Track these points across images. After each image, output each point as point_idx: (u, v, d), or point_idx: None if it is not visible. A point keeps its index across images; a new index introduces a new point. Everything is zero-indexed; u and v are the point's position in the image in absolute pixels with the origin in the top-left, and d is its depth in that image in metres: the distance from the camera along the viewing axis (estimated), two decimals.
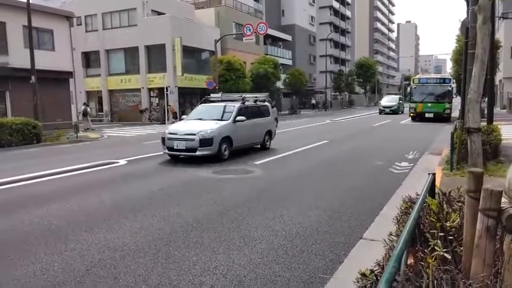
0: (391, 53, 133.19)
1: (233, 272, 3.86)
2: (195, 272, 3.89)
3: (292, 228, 5.14)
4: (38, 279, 3.82)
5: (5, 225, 5.54)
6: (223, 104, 12.45)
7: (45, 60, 20.46)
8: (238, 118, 11.55)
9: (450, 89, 25.23)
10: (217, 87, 30.74)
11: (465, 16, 13.06)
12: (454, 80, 27.41)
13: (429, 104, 25.39)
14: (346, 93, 68.71)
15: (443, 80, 25.74)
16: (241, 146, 11.93)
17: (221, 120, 11.43)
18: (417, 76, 28.24)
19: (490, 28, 4.90)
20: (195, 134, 10.53)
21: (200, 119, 11.67)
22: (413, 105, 26.19)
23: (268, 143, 13.38)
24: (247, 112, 12.17)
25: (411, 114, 26.37)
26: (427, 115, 25.29)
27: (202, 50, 35.17)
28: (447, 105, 25.19)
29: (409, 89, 27.10)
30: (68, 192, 7.51)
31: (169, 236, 4.90)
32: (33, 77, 17.48)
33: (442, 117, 24.73)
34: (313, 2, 64.97)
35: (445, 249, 2.53)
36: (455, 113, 24.57)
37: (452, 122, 19.65)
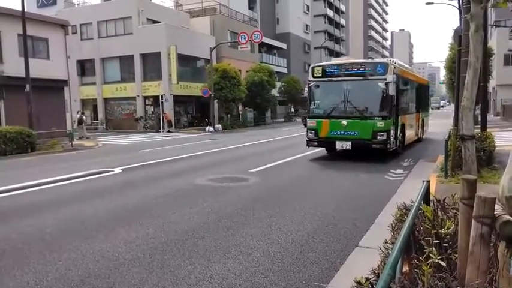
0: None
1: (229, 281, 3.84)
2: (190, 281, 3.86)
3: (288, 236, 5.12)
4: None
5: None
6: None
7: (40, 69, 20.41)
8: None
9: (385, 87, 11.17)
10: (212, 95, 30.83)
11: (458, 24, 13.26)
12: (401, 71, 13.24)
13: (344, 122, 11.81)
14: None
15: (373, 69, 11.64)
16: None
17: None
18: (321, 63, 13.57)
19: (482, 36, 4.96)
20: None
21: None
22: (312, 122, 12.56)
23: None
24: None
25: (310, 142, 12.67)
26: (339, 145, 12.02)
27: (198, 58, 35.27)
28: (379, 124, 11.44)
29: (306, 89, 13.02)
30: (62, 201, 7.46)
31: (164, 245, 4.87)
32: (27, 86, 17.41)
33: (370, 149, 11.80)
34: (308, 10, 65.53)
35: (440, 257, 2.53)
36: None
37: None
